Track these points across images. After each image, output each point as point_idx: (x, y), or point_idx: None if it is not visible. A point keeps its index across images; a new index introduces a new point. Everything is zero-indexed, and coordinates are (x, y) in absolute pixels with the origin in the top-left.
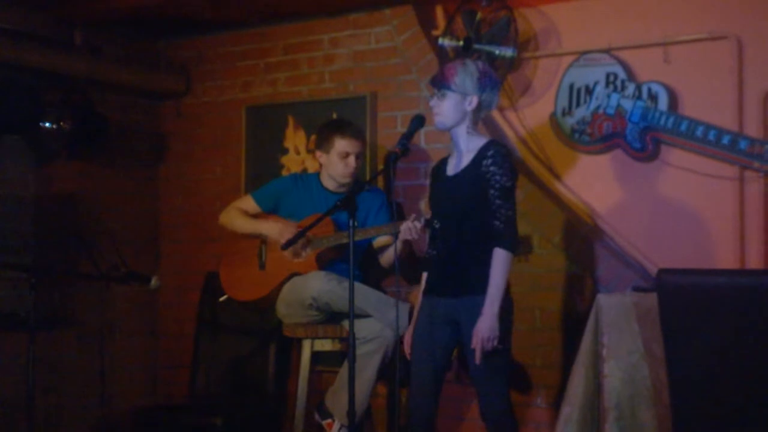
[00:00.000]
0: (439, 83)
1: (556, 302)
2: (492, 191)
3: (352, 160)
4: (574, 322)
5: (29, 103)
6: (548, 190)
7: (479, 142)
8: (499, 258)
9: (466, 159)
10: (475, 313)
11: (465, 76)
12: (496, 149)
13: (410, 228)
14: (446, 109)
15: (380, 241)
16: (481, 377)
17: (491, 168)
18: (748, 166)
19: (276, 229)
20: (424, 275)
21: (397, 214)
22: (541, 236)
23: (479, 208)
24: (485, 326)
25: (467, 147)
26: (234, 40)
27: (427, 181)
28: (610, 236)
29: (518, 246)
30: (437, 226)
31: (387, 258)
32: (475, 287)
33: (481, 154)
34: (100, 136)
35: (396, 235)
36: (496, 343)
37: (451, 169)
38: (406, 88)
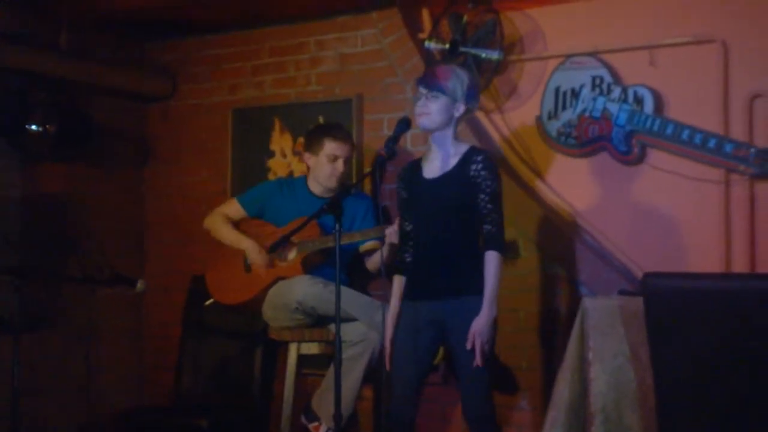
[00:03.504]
0: (432, 84)
1: (541, 304)
2: (483, 195)
3: (340, 163)
4: (557, 324)
5: (15, 105)
6: (533, 193)
7: (463, 146)
8: (494, 260)
9: (451, 162)
10: (466, 314)
11: (457, 82)
12: (485, 154)
13: (395, 232)
14: (435, 110)
15: (367, 245)
16: (466, 379)
17: (482, 173)
18: (733, 170)
19: (255, 249)
20: (398, 279)
21: (383, 217)
22: (526, 239)
23: (464, 210)
24: (484, 328)
25: (452, 151)
26: (220, 42)
27: None
28: (596, 239)
29: (507, 249)
30: (408, 228)
31: (373, 262)
32: (464, 289)
33: (468, 158)
34: (85, 138)
35: (382, 240)
36: (492, 344)
37: (430, 172)
38: (393, 91)
